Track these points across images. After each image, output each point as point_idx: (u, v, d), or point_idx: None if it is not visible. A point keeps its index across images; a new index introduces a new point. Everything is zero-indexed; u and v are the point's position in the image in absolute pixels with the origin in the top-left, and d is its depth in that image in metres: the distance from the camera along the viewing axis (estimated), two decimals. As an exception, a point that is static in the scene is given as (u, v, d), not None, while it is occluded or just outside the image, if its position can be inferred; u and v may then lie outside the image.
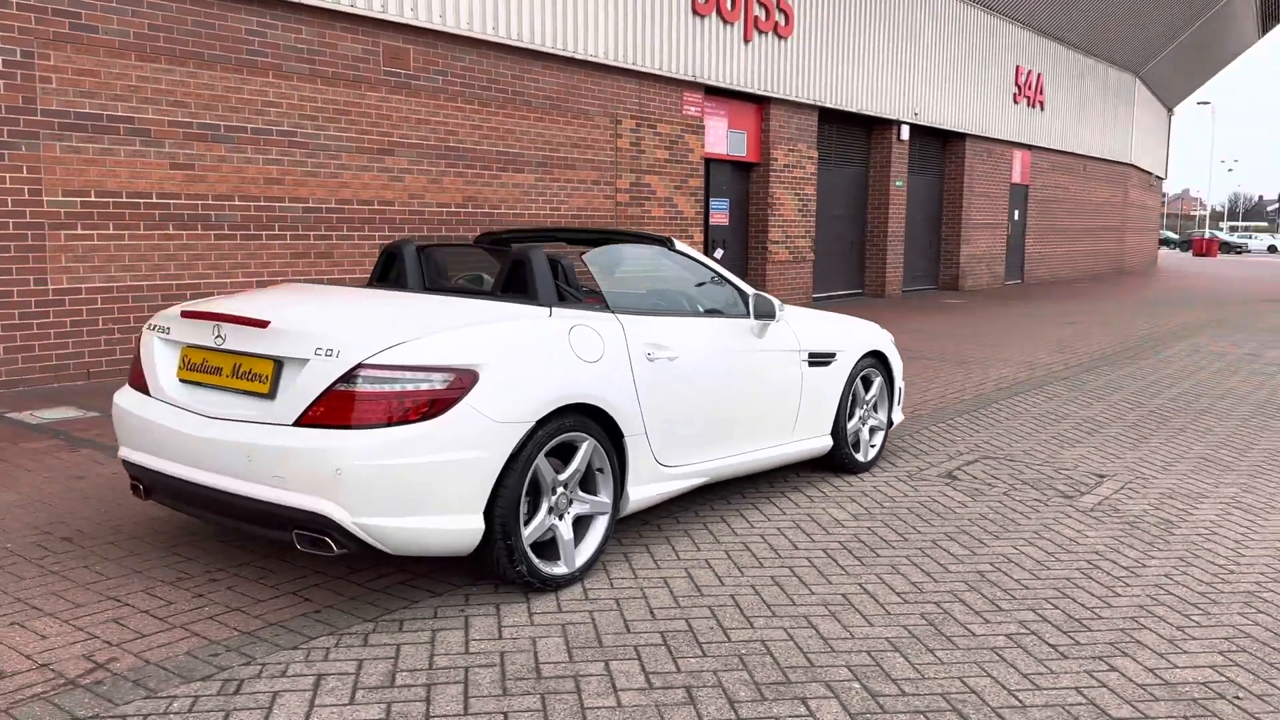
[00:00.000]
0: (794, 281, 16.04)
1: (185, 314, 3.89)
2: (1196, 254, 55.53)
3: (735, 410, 4.75)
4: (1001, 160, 22.17)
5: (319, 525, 3.43)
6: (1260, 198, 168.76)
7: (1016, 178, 23.10)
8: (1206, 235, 64.89)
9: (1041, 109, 23.61)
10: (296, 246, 9.40)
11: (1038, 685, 3.18)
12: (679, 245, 4.92)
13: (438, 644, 3.38)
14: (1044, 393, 8.77)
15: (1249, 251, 66.93)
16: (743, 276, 15.53)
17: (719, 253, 14.59)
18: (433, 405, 3.46)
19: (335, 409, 3.43)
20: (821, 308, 15.95)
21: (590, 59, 12.03)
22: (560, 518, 3.91)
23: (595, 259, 4.49)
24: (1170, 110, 37.44)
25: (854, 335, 5.69)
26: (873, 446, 5.91)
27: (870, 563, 4.28)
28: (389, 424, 3.42)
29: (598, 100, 12.33)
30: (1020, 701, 3.07)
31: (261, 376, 3.63)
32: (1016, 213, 23.37)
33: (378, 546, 3.46)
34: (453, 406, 3.49)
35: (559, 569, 3.87)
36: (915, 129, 19.15)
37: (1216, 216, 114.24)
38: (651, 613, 3.69)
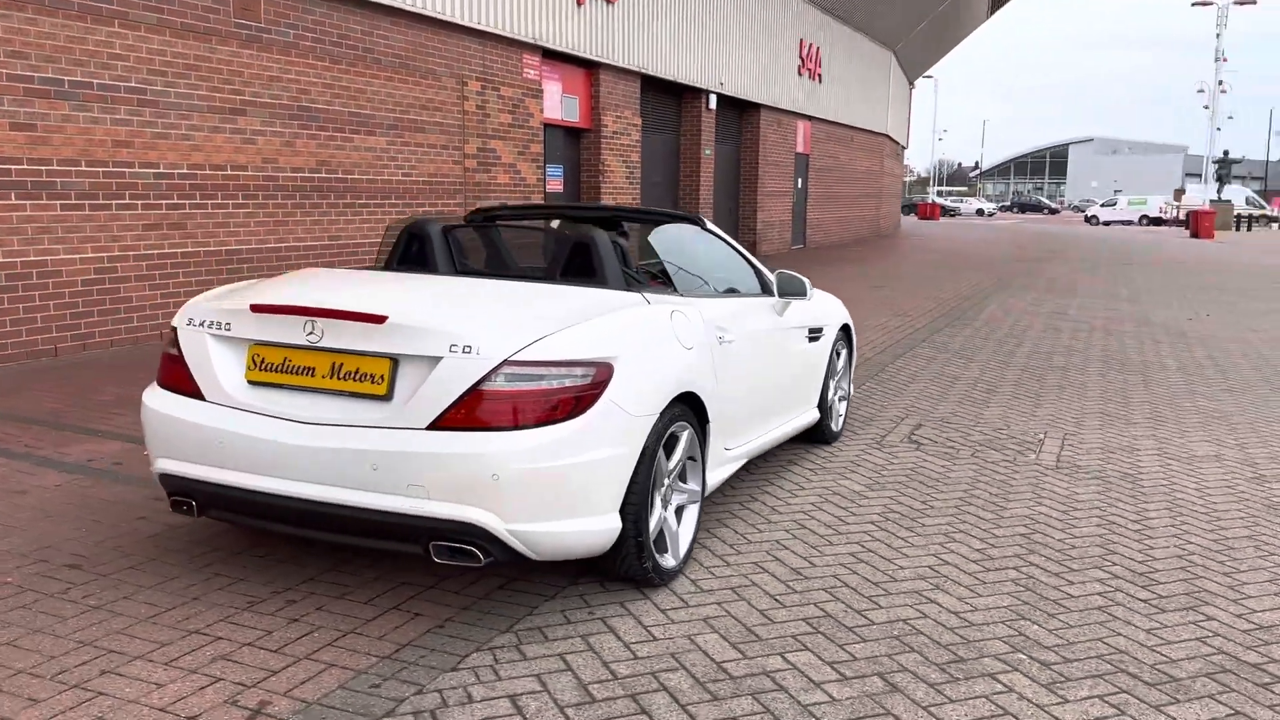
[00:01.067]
0: (621, 248, 16.12)
1: (257, 308, 3.45)
2: (921, 217, 60.31)
3: (768, 389, 4.78)
4: (789, 130, 23.17)
5: (466, 535, 3.18)
6: (959, 164, 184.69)
7: (800, 147, 24.22)
8: (930, 200, 70.60)
9: (820, 81, 24.82)
10: (149, 217, 8.46)
11: (1166, 639, 3.45)
12: (709, 224, 4.86)
13: (601, 650, 3.23)
14: (917, 355, 9.34)
15: (960, 214, 73.33)
16: (574, 244, 15.43)
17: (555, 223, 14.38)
18: (578, 402, 3.28)
19: (480, 410, 3.18)
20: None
21: (436, 16, 11.49)
22: (666, 509, 3.81)
23: (658, 240, 4.36)
24: (912, 84, 40.37)
25: (831, 310, 5.84)
26: (840, 416, 6.12)
27: (923, 533, 4.45)
28: (538, 424, 3.21)
29: (444, 60, 11.82)
30: (1167, 657, 3.32)
31: (375, 377, 3.30)
32: (800, 181, 24.53)
33: (525, 553, 3.25)
34: (596, 402, 3.32)
35: (669, 561, 3.79)
36: (719, 99, 19.63)
37: (924, 182, 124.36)
38: (776, 600, 3.68)
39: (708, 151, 18.82)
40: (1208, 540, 4.46)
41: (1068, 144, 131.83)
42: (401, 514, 3.19)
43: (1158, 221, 57.57)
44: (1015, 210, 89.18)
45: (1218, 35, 46.27)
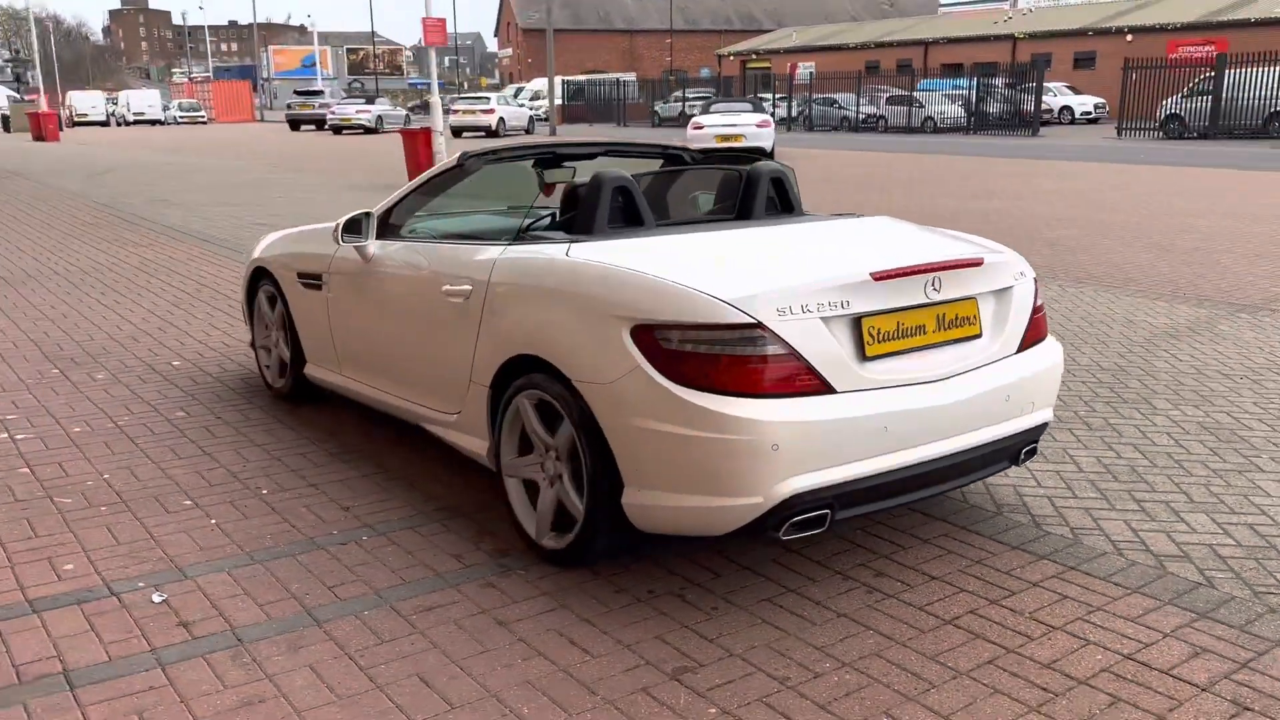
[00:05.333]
0: None
1: (881, 275, 3.09)
2: None
3: None
4: None
5: (1039, 434, 3.65)
6: None
7: None
8: None
9: None
10: None
11: None
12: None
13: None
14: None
15: None
16: None
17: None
18: None
19: (1037, 327, 3.65)
20: None
21: None
22: None
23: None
24: None
25: None
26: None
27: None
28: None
29: None
30: None
31: (970, 318, 3.41)
32: None
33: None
34: None
35: None
36: None
37: None
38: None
39: None
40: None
41: None
42: (1018, 434, 3.48)
43: None
44: None
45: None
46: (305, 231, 4.99)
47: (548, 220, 4.22)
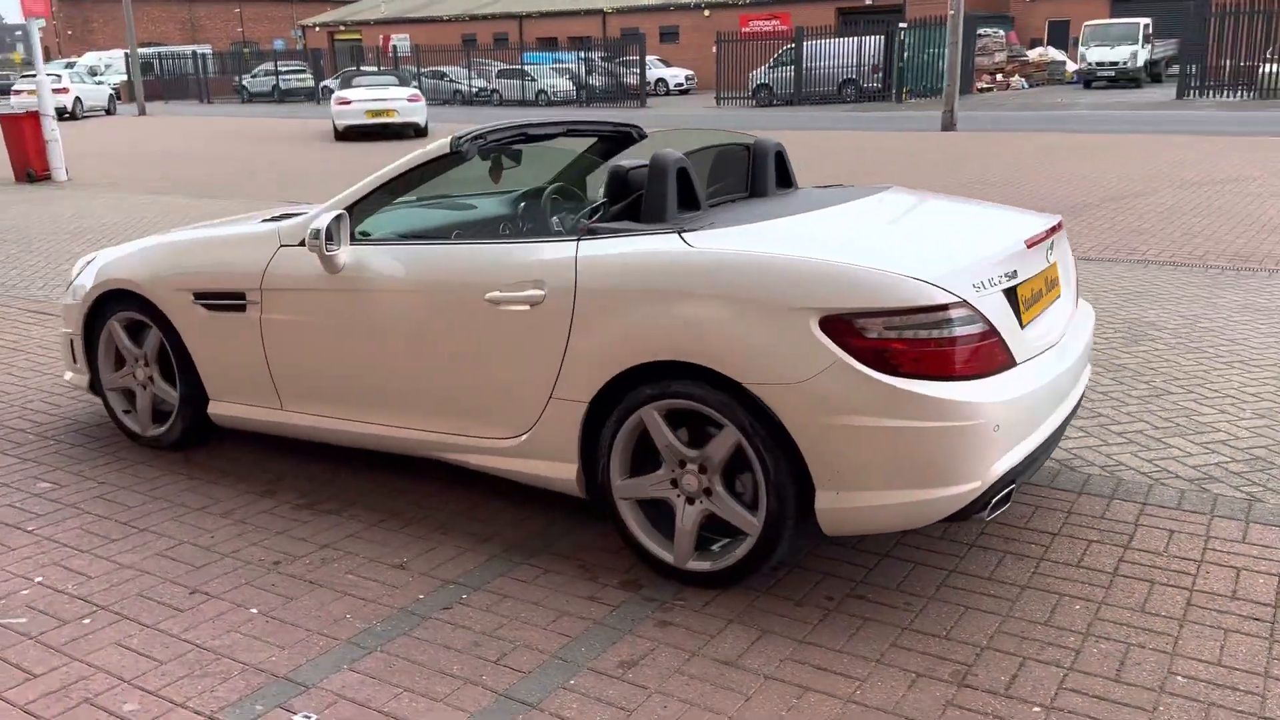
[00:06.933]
0: None
1: (1031, 241, 3.12)
2: None
3: None
4: None
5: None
6: None
7: None
8: None
9: None
10: None
11: None
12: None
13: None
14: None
15: None
16: None
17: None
18: None
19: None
20: None
21: None
22: None
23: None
24: None
25: None
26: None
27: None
28: None
29: None
30: None
31: (1056, 280, 3.54)
32: None
33: None
34: None
35: None
36: None
37: None
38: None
39: None
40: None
41: None
42: (1084, 388, 3.66)
43: None
44: None
45: None
46: (199, 240, 4.06)
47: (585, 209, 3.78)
